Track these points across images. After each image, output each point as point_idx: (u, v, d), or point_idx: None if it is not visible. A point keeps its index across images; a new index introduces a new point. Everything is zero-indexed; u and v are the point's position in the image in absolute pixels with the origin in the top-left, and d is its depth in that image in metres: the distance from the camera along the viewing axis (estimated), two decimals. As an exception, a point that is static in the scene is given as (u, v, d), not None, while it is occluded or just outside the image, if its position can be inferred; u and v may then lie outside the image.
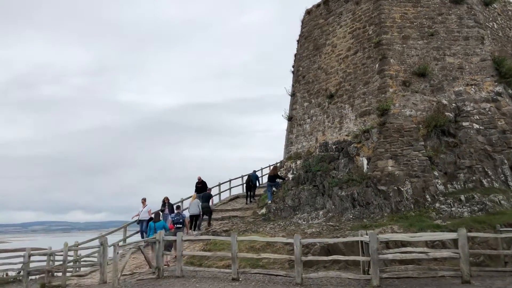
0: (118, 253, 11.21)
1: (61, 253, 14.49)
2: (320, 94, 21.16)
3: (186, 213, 18.56)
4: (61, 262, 19.22)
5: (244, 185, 27.02)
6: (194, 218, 18.53)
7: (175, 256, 12.78)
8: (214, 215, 21.22)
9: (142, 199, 18.70)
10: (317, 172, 18.82)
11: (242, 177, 28.50)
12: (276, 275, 11.39)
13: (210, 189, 22.29)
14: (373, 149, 17.48)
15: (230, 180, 28.08)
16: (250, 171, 24.59)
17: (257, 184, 26.64)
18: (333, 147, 19.33)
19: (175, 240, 12.69)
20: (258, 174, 26.57)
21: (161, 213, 18.44)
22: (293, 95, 22.86)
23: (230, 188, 28.12)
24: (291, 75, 24.71)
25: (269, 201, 19.69)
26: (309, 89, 21.87)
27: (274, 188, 20.03)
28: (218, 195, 25.81)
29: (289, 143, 21.97)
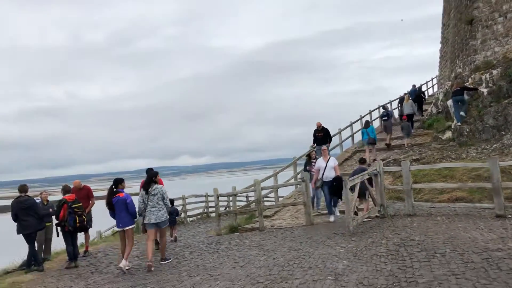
0: (350, 189, 8.90)
1: (252, 193, 12.80)
2: (516, -17, 16.62)
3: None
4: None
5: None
6: (408, 118, 19.57)
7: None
8: (379, 145, 18.60)
9: (323, 147, 12.27)
10: (528, 80, 14.91)
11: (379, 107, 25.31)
12: None
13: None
14: None
15: (370, 112, 25.04)
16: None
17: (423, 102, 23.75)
18: (547, 46, 15.10)
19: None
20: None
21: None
22: (471, -9, 18.46)
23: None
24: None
25: (458, 123, 16.28)
26: (497, -20, 17.34)
27: (462, 113, 16.25)
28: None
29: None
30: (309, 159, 13.01)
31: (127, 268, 8.45)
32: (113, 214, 8.98)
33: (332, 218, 11.00)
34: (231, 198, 22.46)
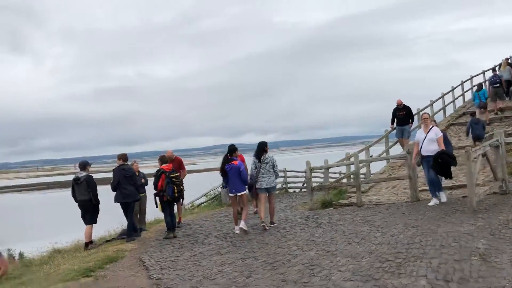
0: (475, 160, 7.94)
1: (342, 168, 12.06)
2: None
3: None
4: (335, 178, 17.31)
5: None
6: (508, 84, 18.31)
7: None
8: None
9: (425, 114, 10.54)
10: None
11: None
12: None
13: None
14: None
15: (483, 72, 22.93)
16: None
17: None
18: None
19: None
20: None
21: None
22: None
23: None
24: None
25: None
26: None
27: None
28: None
29: None
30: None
31: (245, 228, 8.96)
32: (226, 180, 9.59)
33: (431, 202, 9.25)
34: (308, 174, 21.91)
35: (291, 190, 23.03)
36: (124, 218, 9.93)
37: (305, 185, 23.42)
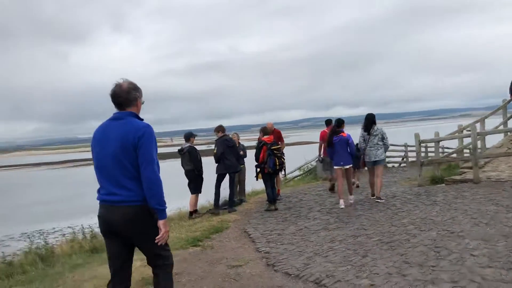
0: None
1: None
2: None
3: None
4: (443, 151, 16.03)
5: None
6: None
7: None
8: None
9: None
10: None
11: None
12: None
13: None
14: None
15: None
16: None
17: None
18: None
19: None
20: None
21: None
22: None
23: None
24: None
25: None
26: None
27: None
28: None
29: None
30: None
31: (351, 201, 9.04)
32: (331, 152, 9.20)
33: None
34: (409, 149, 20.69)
35: (389, 165, 21.96)
36: (214, 189, 9.89)
37: (404, 159, 22.19)
